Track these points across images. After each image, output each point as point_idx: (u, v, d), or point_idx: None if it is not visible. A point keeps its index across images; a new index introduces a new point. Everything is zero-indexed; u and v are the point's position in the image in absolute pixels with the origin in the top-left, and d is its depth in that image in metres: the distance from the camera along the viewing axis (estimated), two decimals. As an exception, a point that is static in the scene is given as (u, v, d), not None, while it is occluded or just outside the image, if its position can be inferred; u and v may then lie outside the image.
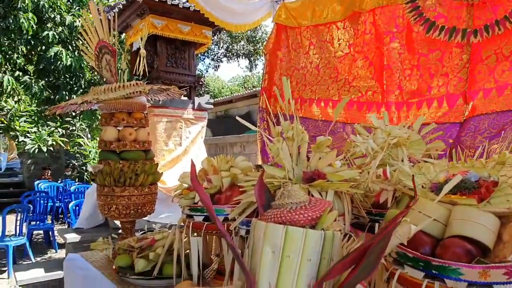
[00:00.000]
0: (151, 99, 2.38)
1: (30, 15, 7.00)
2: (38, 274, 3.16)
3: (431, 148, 1.46)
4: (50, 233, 6.44)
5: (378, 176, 1.17)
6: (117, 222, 3.73)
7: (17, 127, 8.90)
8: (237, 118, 1.28)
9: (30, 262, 4.75)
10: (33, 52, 7.89)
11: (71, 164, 11.39)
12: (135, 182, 1.95)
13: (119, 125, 1.99)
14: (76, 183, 9.21)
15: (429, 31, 2.03)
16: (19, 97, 8.23)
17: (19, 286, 3.16)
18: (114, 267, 1.70)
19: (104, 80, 2.16)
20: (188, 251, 1.51)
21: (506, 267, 0.71)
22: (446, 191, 0.81)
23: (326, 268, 0.76)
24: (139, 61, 2.69)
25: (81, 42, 2.19)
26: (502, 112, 1.76)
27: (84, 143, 10.97)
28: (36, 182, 9.11)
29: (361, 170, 1.24)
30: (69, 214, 6.44)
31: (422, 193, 0.92)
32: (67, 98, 7.88)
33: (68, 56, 7.32)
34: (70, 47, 7.73)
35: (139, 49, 2.78)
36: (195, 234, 1.48)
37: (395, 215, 0.72)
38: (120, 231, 2.27)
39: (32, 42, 7.49)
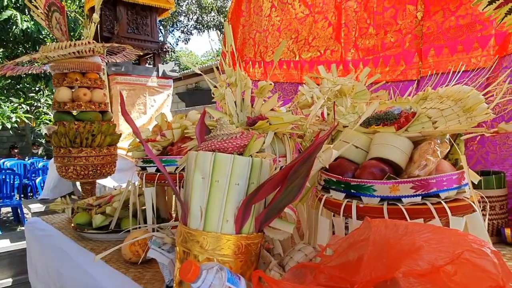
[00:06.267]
0: (108, 62, 2.33)
1: None
2: (3, 245, 3.13)
3: (375, 98, 1.53)
4: (19, 210, 6.31)
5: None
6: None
7: (-23, 104, 8.49)
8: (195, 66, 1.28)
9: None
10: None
11: (37, 142, 11.06)
12: (92, 143, 1.94)
13: (73, 86, 1.96)
14: (44, 160, 8.98)
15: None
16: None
17: (-16, 256, 3.14)
18: (72, 225, 1.72)
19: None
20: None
21: (413, 182, 0.78)
22: (365, 118, 0.87)
23: (254, 192, 0.81)
24: (91, 26, 2.59)
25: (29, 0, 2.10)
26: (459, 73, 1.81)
27: (50, 120, 10.61)
28: (1, 161, 8.83)
29: (304, 116, 1.29)
30: (38, 192, 6.33)
31: (350, 127, 0.98)
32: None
33: (23, 21, 6.91)
34: (27, 11, 7.30)
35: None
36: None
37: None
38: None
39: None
